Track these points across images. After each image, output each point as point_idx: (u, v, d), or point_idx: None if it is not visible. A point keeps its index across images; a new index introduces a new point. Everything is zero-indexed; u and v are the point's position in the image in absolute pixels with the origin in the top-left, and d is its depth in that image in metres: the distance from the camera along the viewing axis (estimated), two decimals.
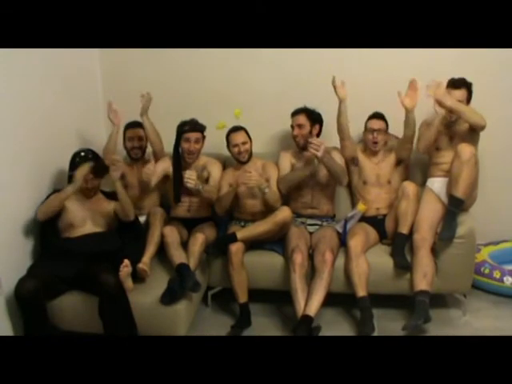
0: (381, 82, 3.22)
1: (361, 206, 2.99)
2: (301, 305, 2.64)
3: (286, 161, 3.05)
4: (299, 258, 2.72)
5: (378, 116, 3.04)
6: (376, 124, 3.01)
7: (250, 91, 3.34)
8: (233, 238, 2.80)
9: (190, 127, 2.95)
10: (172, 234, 2.81)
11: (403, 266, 2.77)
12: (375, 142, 3.02)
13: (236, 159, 3.03)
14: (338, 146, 3.09)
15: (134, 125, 3.11)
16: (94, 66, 3.42)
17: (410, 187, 2.85)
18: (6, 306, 2.45)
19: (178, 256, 2.71)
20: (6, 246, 2.49)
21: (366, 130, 3.05)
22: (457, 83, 2.91)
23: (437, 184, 2.89)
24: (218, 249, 2.84)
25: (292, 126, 3.03)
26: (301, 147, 3.00)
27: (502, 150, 3.28)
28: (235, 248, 2.78)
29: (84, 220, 2.74)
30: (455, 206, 2.72)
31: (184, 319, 2.59)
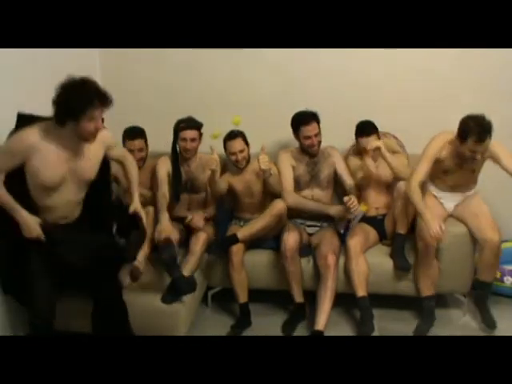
0: (381, 81, 3.23)
1: (362, 207, 2.98)
2: (294, 288, 2.80)
3: (287, 163, 3.02)
4: (291, 240, 2.75)
5: (367, 133, 2.96)
6: (371, 143, 2.93)
7: (250, 91, 3.34)
8: (234, 240, 2.79)
9: (185, 125, 2.91)
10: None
11: (404, 267, 2.77)
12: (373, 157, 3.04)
13: (234, 165, 3.00)
14: (336, 145, 3.09)
15: (133, 135, 2.98)
16: (94, 66, 3.42)
17: (402, 189, 2.84)
18: (5, 305, 2.46)
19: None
20: None
21: (360, 147, 3.01)
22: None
23: (441, 195, 2.86)
24: (220, 251, 2.84)
25: (297, 136, 2.98)
26: (314, 154, 3.00)
27: None
28: (236, 248, 2.78)
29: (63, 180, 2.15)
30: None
31: (184, 319, 2.58)
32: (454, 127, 3.23)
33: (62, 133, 2.04)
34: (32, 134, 2.03)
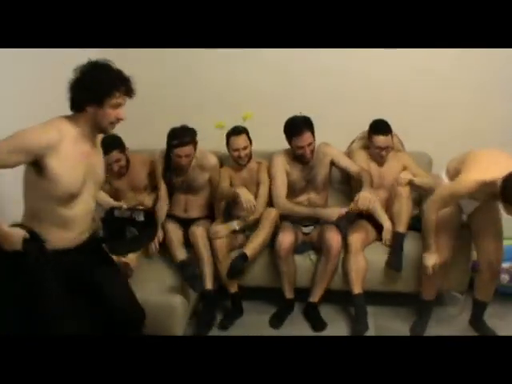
0: (381, 81, 3.23)
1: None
2: (285, 285, 2.87)
3: (281, 167, 2.95)
4: (285, 240, 2.76)
5: (384, 131, 2.91)
6: (384, 142, 2.92)
7: (249, 91, 3.34)
8: (244, 259, 2.76)
9: (178, 142, 2.79)
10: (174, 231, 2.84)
11: (396, 268, 2.77)
12: (382, 157, 2.98)
13: (235, 162, 2.98)
14: (335, 145, 3.05)
15: (108, 148, 2.69)
16: None
17: (401, 187, 2.85)
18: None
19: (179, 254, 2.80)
20: None
21: (373, 145, 2.96)
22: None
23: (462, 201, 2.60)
24: (234, 275, 2.80)
25: (290, 144, 2.89)
26: (307, 162, 2.92)
27: (501, 148, 3.27)
28: (219, 244, 2.79)
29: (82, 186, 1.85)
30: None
31: (181, 318, 2.59)
32: (453, 127, 3.26)
33: (78, 123, 1.78)
34: (51, 130, 1.71)
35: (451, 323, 2.82)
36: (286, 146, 3.20)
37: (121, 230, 2.18)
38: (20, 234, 1.72)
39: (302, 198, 3.00)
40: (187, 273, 2.70)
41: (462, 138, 3.19)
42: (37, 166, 1.70)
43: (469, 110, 3.25)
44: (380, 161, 3.01)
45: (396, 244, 2.83)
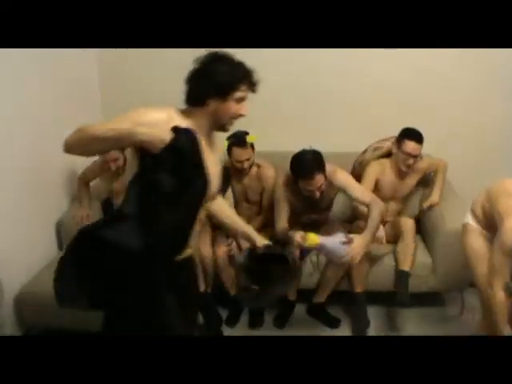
0: (381, 81, 3.23)
1: (311, 240, 2.43)
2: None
3: (284, 195, 2.71)
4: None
5: (417, 139, 2.79)
6: (414, 149, 2.79)
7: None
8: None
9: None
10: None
11: (404, 304, 2.69)
12: (409, 166, 2.87)
13: (237, 170, 2.89)
14: (335, 146, 3.02)
15: None
16: (91, 67, 3.39)
17: (407, 225, 2.83)
18: (6, 306, 2.46)
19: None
20: (8, 246, 2.49)
21: (402, 150, 2.82)
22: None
23: None
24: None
25: (300, 186, 2.60)
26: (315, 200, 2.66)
27: (501, 148, 3.29)
28: (221, 252, 2.80)
29: None
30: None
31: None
32: (453, 127, 3.26)
33: (194, 117, 1.63)
34: (161, 111, 1.62)
35: (451, 323, 2.83)
36: (286, 146, 3.22)
37: (264, 271, 1.87)
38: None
39: (304, 217, 2.90)
40: (209, 313, 2.80)
41: (461, 138, 3.21)
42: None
43: (469, 109, 3.25)
44: (404, 170, 2.87)
45: (401, 283, 2.72)
